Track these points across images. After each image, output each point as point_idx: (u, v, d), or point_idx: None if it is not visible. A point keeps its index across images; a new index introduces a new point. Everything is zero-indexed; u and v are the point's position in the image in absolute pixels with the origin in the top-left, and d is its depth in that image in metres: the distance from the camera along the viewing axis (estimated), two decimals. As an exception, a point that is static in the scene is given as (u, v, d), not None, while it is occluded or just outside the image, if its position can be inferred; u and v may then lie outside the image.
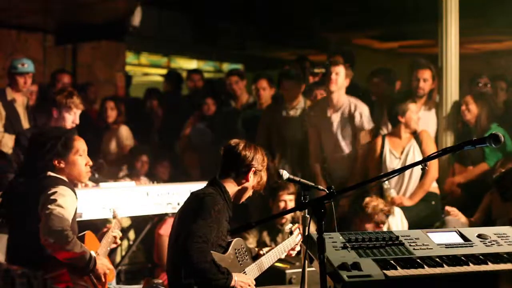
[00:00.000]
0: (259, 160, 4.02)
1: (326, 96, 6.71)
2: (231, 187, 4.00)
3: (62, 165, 4.31)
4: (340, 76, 6.45)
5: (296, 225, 4.33)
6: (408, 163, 6.10)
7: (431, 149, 6.11)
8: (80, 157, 4.38)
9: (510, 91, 7.28)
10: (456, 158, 6.47)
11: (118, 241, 4.60)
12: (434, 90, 6.77)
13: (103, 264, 4.21)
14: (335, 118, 6.57)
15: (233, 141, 4.07)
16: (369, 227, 5.61)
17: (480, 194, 5.89)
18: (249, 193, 4.09)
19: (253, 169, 4.00)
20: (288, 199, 5.90)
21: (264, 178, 4.10)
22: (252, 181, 4.02)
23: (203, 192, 3.91)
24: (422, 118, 6.52)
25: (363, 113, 6.53)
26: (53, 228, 3.97)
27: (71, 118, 5.55)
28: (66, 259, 4.03)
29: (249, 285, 3.85)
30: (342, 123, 6.54)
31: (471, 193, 6.30)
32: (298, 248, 4.30)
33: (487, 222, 5.35)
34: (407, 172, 6.22)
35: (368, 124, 6.54)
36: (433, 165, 6.14)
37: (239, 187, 4.02)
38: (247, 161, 3.99)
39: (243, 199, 4.09)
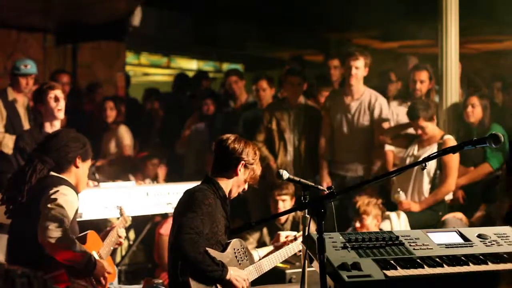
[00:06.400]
0: (249, 154, 3.99)
1: (344, 87, 6.72)
2: (225, 183, 3.98)
3: (80, 165, 4.36)
4: (360, 70, 6.49)
5: (300, 233, 4.27)
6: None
7: (451, 158, 5.90)
8: (88, 168, 4.48)
9: (506, 91, 7.26)
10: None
11: (122, 241, 4.59)
12: (432, 90, 6.77)
13: (102, 267, 4.16)
14: (354, 105, 6.58)
15: (225, 136, 4.06)
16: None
17: (481, 195, 5.88)
18: (242, 187, 4.06)
19: (242, 162, 3.97)
20: (280, 199, 5.90)
21: (258, 171, 4.06)
22: (242, 174, 3.99)
23: (194, 188, 3.93)
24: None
25: (383, 105, 6.55)
26: (50, 227, 3.97)
27: (54, 105, 5.46)
28: (64, 259, 4.02)
29: (245, 281, 3.82)
30: (361, 112, 6.54)
31: (471, 194, 6.28)
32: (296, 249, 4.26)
33: (487, 222, 5.34)
34: (415, 176, 6.13)
35: (387, 116, 6.56)
36: (452, 176, 5.98)
37: (231, 181, 3.99)
38: (236, 154, 3.96)
39: (235, 194, 4.06)
